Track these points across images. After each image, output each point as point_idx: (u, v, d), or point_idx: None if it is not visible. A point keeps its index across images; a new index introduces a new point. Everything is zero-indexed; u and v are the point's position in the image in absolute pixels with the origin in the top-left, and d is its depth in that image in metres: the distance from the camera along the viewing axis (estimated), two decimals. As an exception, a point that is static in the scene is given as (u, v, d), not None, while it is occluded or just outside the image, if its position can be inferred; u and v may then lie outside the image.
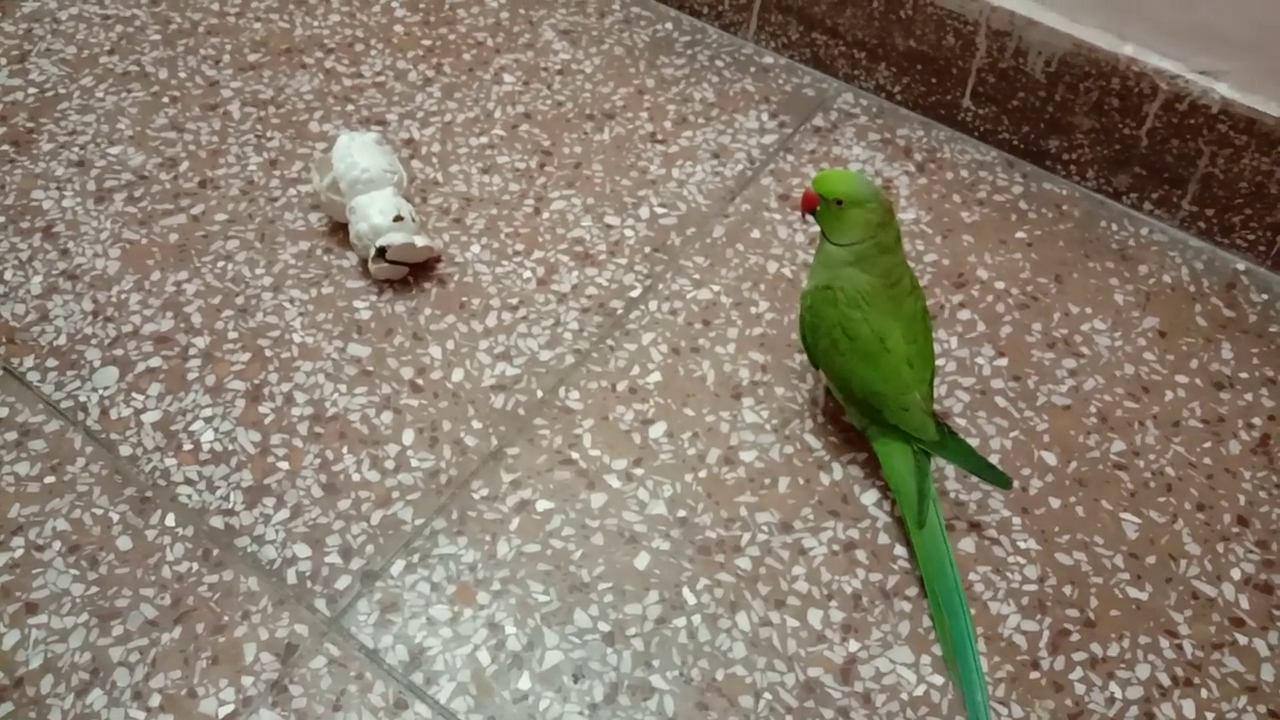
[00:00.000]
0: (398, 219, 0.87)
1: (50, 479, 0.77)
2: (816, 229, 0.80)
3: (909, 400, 0.74)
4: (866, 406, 0.76)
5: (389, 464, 0.78)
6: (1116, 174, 0.95)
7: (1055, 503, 0.78)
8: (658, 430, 0.81)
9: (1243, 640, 0.72)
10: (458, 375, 0.84)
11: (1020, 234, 0.95)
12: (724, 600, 0.73)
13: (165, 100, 1.02)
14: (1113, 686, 0.70)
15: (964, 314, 0.89)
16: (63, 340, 0.85)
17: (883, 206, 0.73)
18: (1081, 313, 0.89)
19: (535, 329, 0.87)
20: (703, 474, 0.79)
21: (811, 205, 0.75)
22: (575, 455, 0.79)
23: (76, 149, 0.98)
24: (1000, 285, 0.91)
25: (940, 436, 0.74)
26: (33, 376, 0.82)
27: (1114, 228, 0.95)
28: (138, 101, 1.02)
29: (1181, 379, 0.85)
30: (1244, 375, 0.86)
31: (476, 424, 0.81)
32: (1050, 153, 0.97)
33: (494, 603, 0.72)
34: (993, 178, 0.99)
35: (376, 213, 0.87)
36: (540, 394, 0.83)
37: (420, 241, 0.87)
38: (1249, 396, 0.84)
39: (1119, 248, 0.94)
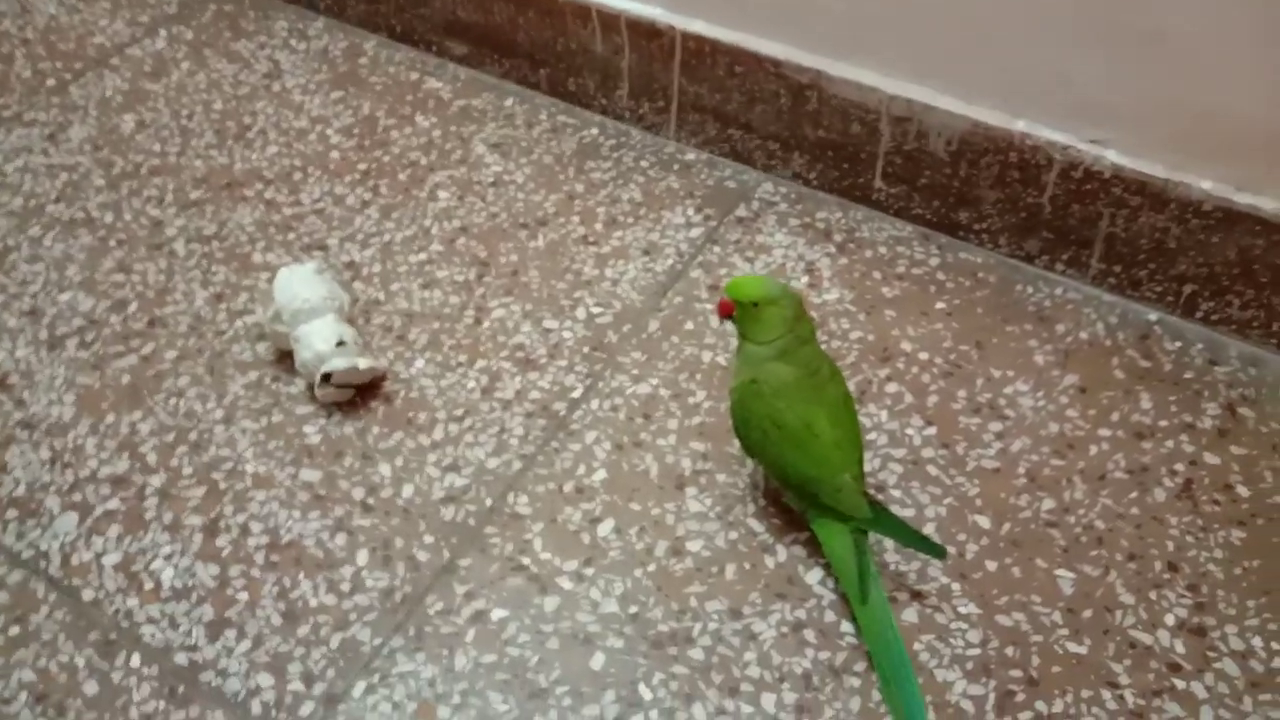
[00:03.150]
0: (340, 344, 0.90)
1: (15, 630, 0.79)
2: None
3: (841, 482, 0.77)
4: (802, 490, 0.79)
5: (345, 586, 0.81)
6: (1026, 239, 1.00)
7: (992, 565, 0.81)
8: (606, 528, 0.84)
9: (1180, 685, 0.75)
10: (408, 491, 0.86)
11: (940, 304, 0.99)
12: (679, 693, 0.75)
13: (112, 244, 1.06)
14: (1059, 742, 0.72)
15: (891, 387, 0.92)
16: (21, 490, 0.87)
17: (795, 301, 0.77)
18: (1004, 376, 0.93)
19: (481, 438, 0.90)
20: (651, 568, 0.81)
21: (728, 311, 0.79)
22: (526, 560, 0.82)
23: (28, 299, 1.01)
24: (924, 356, 0.95)
25: (874, 514, 0.77)
26: (-7, 529, 0.84)
27: (1029, 290, 1.00)
28: (85, 247, 1.06)
29: (1104, 432, 0.89)
30: (1163, 423, 0.89)
31: (428, 538, 0.83)
32: (962, 224, 1.02)
33: (455, 717, 0.74)
34: (910, 252, 1.03)
35: (319, 340, 0.90)
36: (489, 502, 0.85)
37: (364, 364, 0.90)
38: (1170, 444, 0.88)
39: (1035, 309, 0.98)
